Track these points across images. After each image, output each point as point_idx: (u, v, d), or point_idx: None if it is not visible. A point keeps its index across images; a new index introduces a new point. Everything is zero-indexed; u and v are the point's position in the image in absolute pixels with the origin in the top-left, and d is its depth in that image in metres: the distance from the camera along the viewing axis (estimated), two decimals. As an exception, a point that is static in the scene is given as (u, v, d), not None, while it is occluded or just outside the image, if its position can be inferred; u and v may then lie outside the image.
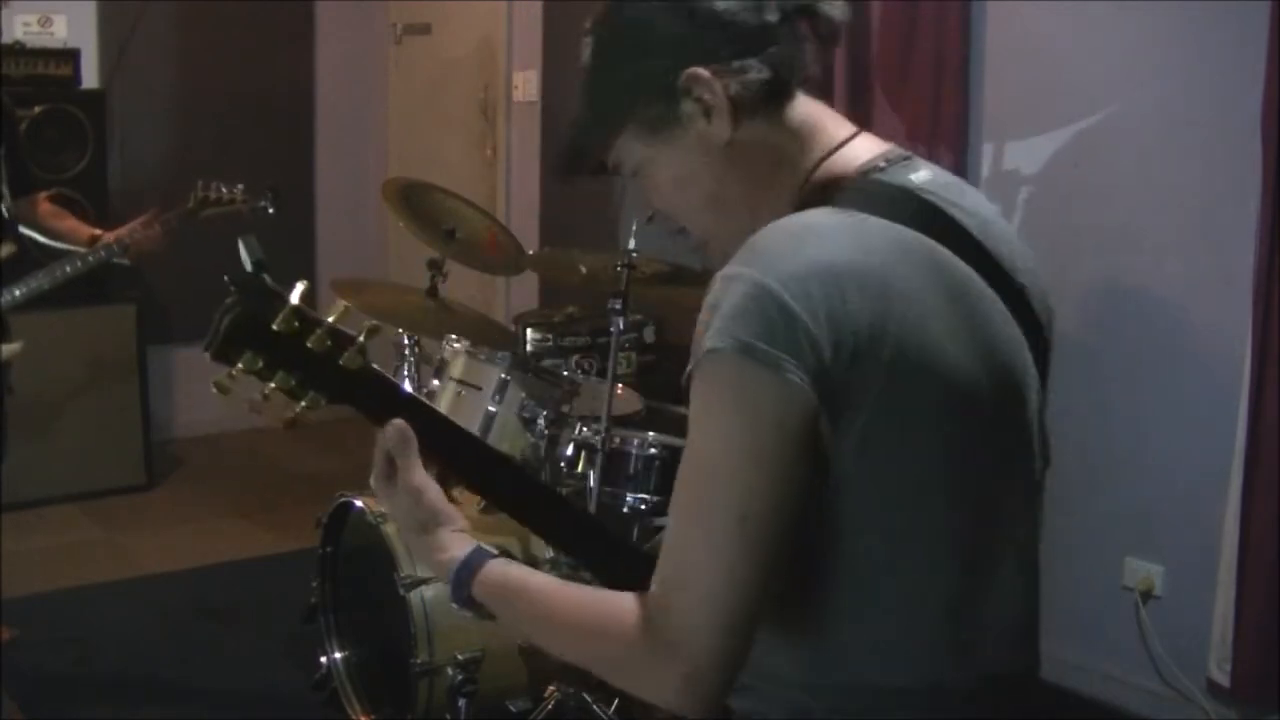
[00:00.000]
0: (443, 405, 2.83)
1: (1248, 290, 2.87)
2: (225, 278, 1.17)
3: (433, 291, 3.16)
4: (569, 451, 2.74)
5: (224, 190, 3.31)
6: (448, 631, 2.66)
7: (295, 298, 1.19)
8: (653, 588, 1.11)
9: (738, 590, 1.07)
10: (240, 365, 1.17)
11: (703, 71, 1.19)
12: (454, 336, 2.90)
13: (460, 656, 2.64)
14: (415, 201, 3.26)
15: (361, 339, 1.21)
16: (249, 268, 1.20)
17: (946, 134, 3.42)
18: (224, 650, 3.49)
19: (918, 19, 3.44)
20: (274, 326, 1.17)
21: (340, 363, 1.21)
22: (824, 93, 3.73)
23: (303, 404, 1.21)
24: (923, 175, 1.23)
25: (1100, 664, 3.33)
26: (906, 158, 1.25)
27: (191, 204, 3.28)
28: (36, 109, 4.50)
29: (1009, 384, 1.22)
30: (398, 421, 1.25)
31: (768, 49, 1.20)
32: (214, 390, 1.17)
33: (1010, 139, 3.44)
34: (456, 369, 2.82)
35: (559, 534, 1.41)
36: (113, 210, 4.63)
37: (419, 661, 2.66)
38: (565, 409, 2.77)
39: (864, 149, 1.25)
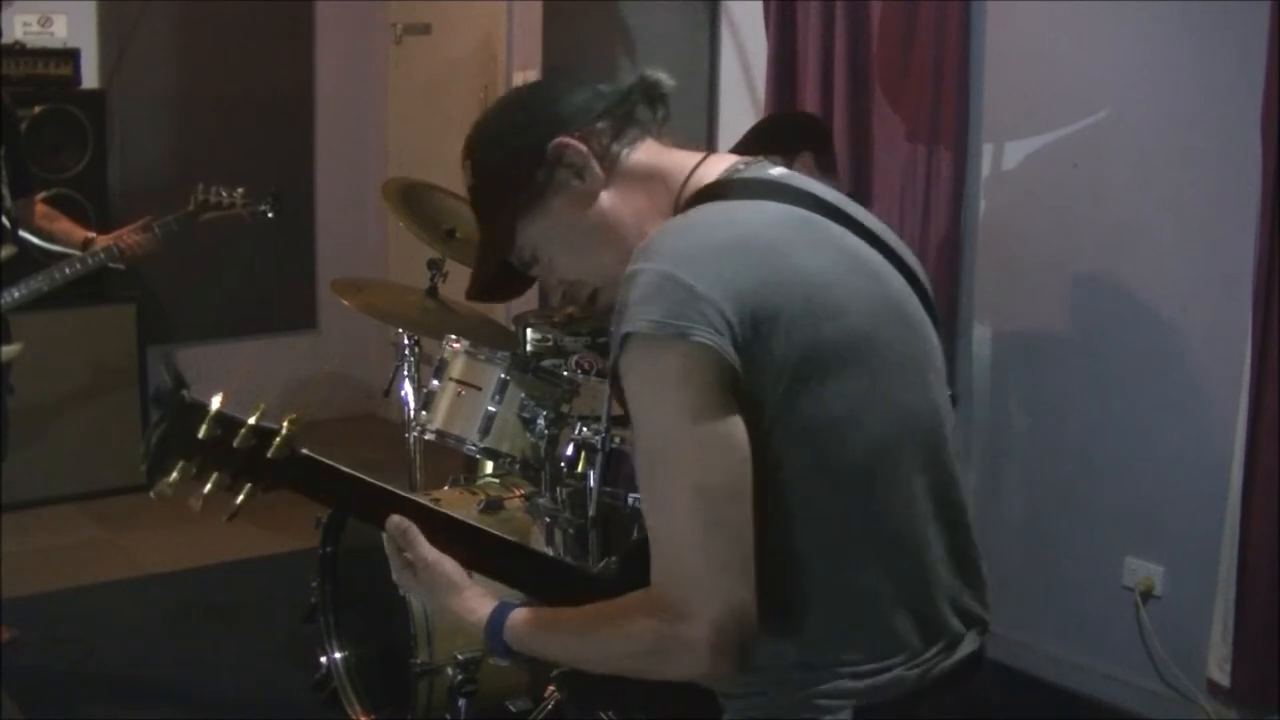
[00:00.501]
0: (443, 405, 2.83)
1: (1248, 290, 2.87)
2: (151, 397, 1.34)
3: (433, 291, 3.16)
4: (569, 451, 2.75)
5: (224, 194, 3.31)
6: (448, 631, 2.66)
7: (215, 405, 1.33)
8: (653, 576, 1.20)
9: (722, 549, 1.16)
10: (176, 474, 1.31)
11: (564, 137, 1.35)
12: (454, 336, 2.90)
13: (460, 656, 2.64)
14: (415, 201, 3.26)
15: (284, 431, 1.35)
16: (170, 384, 1.32)
17: (946, 134, 3.42)
18: (224, 650, 3.49)
19: (918, 19, 3.44)
20: (199, 436, 1.31)
21: (268, 455, 1.34)
22: (824, 94, 3.68)
23: (240, 498, 1.37)
24: (779, 171, 1.36)
25: (1100, 664, 3.33)
26: (759, 161, 1.38)
27: (191, 207, 3.28)
28: (36, 109, 4.50)
29: (918, 338, 1.33)
30: (395, 517, 1.38)
31: (609, 113, 1.37)
32: (153, 497, 1.33)
33: (1010, 139, 3.44)
34: (456, 369, 2.82)
35: (511, 573, 1.48)
36: (113, 211, 4.64)
37: (419, 661, 2.66)
38: (565, 409, 2.77)
39: (719, 163, 1.37)
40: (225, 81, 5.37)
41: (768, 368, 1.18)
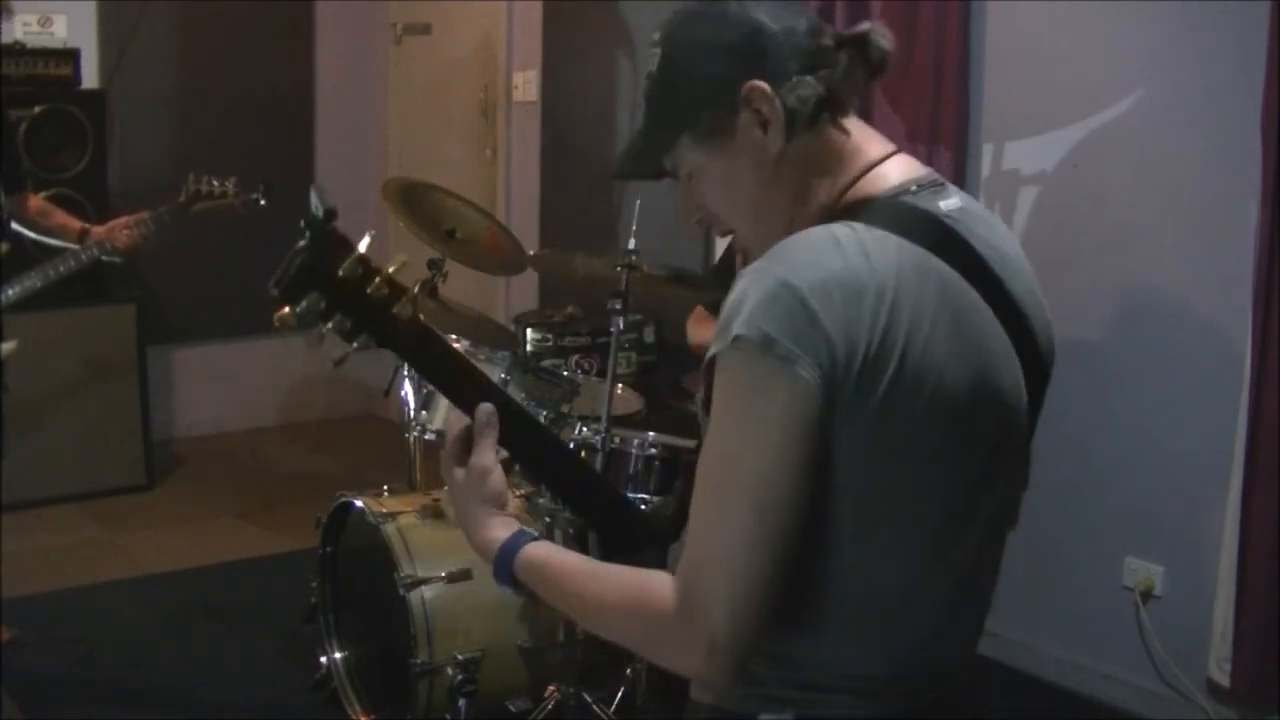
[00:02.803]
0: (443, 405, 2.83)
1: (1248, 290, 2.87)
2: (300, 222, 1.24)
3: (433, 291, 3.16)
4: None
5: (215, 184, 3.30)
6: (448, 631, 2.66)
7: (362, 247, 1.27)
8: (680, 567, 1.19)
9: (756, 570, 1.15)
10: (304, 304, 1.25)
11: (763, 85, 1.26)
12: (454, 336, 2.90)
13: (460, 656, 2.64)
14: (415, 201, 3.26)
15: (415, 290, 1.30)
16: (320, 214, 1.26)
17: (946, 134, 3.43)
18: (224, 650, 3.49)
19: (918, 19, 3.44)
20: (339, 273, 1.25)
21: (394, 311, 1.29)
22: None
23: (354, 345, 1.30)
24: (952, 203, 1.31)
25: (1100, 664, 3.33)
26: (940, 184, 1.32)
27: (183, 198, 3.27)
28: (36, 109, 4.50)
29: (1000, 406, 1.29)
30: (488, 405, 1.35)
31: (821, 70, 1.28)
32: (275, 323, 1.25)
33: (1010, 139, 3.44)
34: (457, 369, 2.81)
35: (608, 523, 1.49)
36: (113, 210, 4.63)
37: (419, 661, 2.66)
38: (565, 409, 2.77)
39: (899, 170, 1.32)
40: (225, 81, 5.37)
41: (855, 417, 1.16)
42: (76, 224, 3.31)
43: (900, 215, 1.25)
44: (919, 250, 1.22)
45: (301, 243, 1.25)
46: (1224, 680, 2.99)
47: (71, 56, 4.70)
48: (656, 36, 1.33)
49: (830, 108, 1.29)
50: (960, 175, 3.45)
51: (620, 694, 2.83)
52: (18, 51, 4.55)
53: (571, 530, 2.71)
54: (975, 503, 1.27)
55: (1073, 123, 3.29)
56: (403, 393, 3.18)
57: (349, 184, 5.83)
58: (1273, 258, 2.80)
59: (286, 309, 1.24)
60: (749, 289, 1.17)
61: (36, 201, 3.42)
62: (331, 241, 1.26)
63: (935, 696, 1.31)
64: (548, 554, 1.33)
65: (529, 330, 3.29)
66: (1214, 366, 3.04)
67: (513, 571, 1.33)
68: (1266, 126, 2.77)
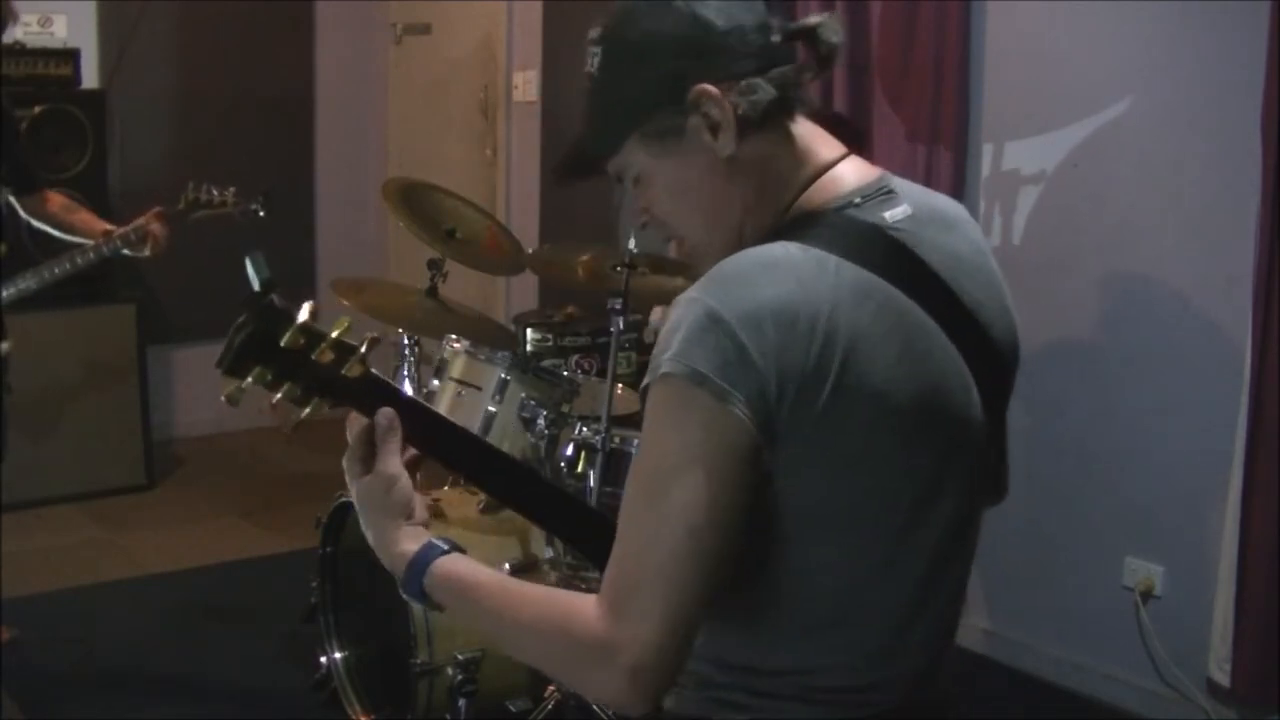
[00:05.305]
0: (443, 405, 2.83)
1: (1248, 290, 2.87)
2: (241, 301, 1.27)
3: (433, 291, 3.15)
4: (569, 451, 2.74)
5: (214, 192, 3.31)
6: (448, 631, 2.66)
7: (303, 316, 1.27)
8: (603, 590, 1.17)
9: (682, 595, 1.13)
10: (250, 379, 1.27)
11: (712, 88, 1.22)
12: (454, 336, 2.89)
13: (460, 656, 2.64)
14: (415, 201, 3.26)
15: (363, 349, 1.30)
16: (257, 286, 1.27)
17: (946, 134, 3.42)
18: (224, 650, 3.49)
19: (918, 19, 3.44)
20: (281, 344, 1.26)
21: (343, 372, 1.30)
22: (824, 94, 3.70)
23: (308, 410, 1.31)
24: (898, 212, 1.27)
25: (1100, 664, 3.33)
26: (888, 192, 1.28)
27: (182, 205, 3.28)
28: (36, 109, 4.50)
29: (949, 420, 1.26)
30: (388, 410, 1.32)
31: (772, 69, 1.24)
32: (224, 400, 1.28)
33: (1010, 139, 3.44)
34: (456, 369, 2.82)
35: (561, 527, 1.51)
36: (113, 211, 4.63)
37: (419, 661, 2.66)
38: (565, 409, 2.77)
39: (849, 175, 1.29)
40: (225, 81, 5.37)
41: (793, 446, 1.16)
42: (100, 225, 3.30)
43: (843, 233, 1.22)
44: (860, 271, 1.20)
45: (241, 318, 1.26)
46: (1224, 680, 2.99)
47: (71, 56, 4.70)
48: (595, 34, 1.29)
49: (782, 109, 1.25)
50: (960, 175, 3.45)
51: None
52: (18, 51, 4.54)
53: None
54: (925, 515, 1.26)
55: (1073, 123, 3.29)
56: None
57: (349, 184, 5.84)
58: (1273, 257, 2.80)
59: (234, 385, 1.27)
60: (681, 319, 1.16)
61: (59, 198, 3.41)
62: (271, 314, 1.26)
63: (897, 704, 1.29)
64: (461, 569, 1.28)
65: (529, 330, 3.29)
66: (1214, 366, 3.03)
67: (423, 585, 1.28)
68: (1266, 126, 2.77)
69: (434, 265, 3.16)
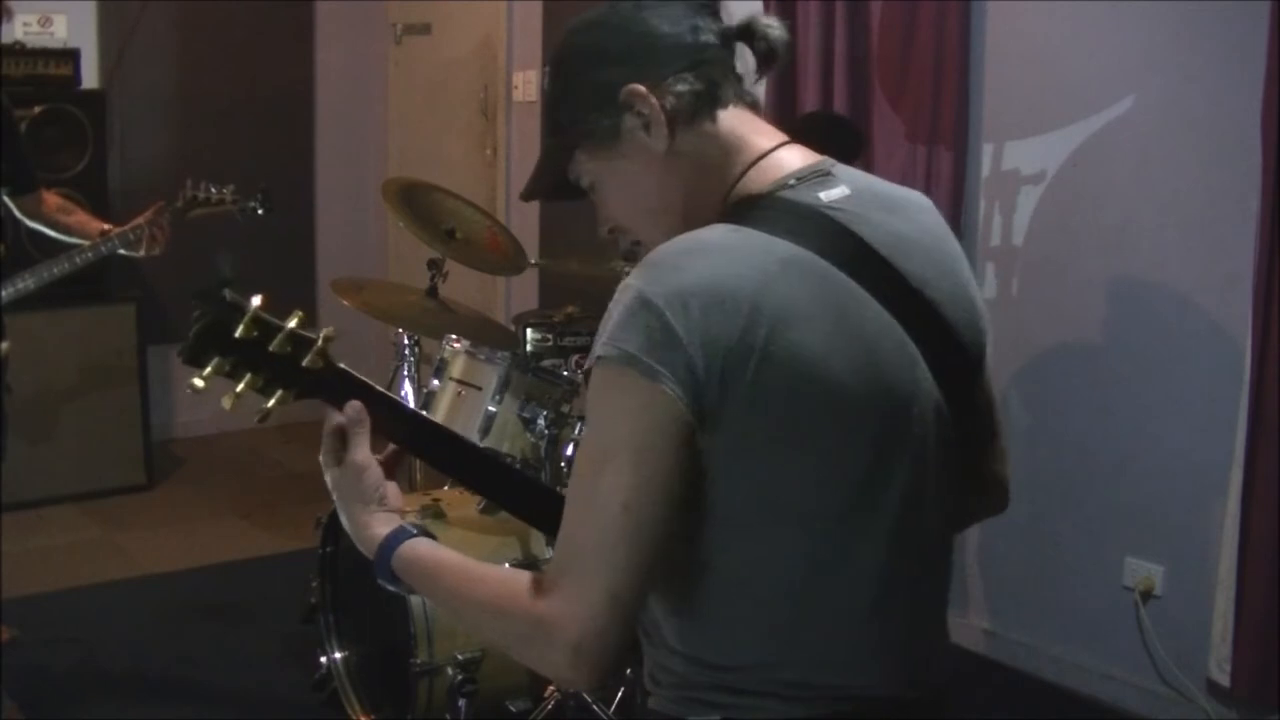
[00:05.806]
0: (443, 405, 2.83)
1: (1248, 290, 2.87)
2: (194, 294, 1.33)
3: (433, 291, 3.16)
4: (569, 451, 2.75)
5: (213, 190, 3.30)
6: (448, 631, 2.66)
7: (254, 305, 1.33)
8: (547, 570, 1.22)
9: (619, 572, 1.17)
10: (209, 369, 1.33)
11: (639, 87, 1.29)
12: (454, 336, 2.89)
13: (460, 656, 2.64)
14: (415, 201, 3.26)
15: (320, 341, 1.36)
16: (216, 281, 1.34)
17: (946, 134, 3.43)
18: (224, 650, 3.49)
19: (918, 19, 3.44)
20: (236, 334, 1.32)
21: (304, 364, 1.36)
22: (824, 95, 3.69)
23: (273, 401, 1.37)
24: (835, 193, 1.30)
25: (1100, 664, 3.33)
26: (824, 174, 1.33)
27: (180, 203, 3.27)
28: (36, 109, 4.50)
29: (889, 398, 1.27)
30: (355, 402, 1.38)
31: (700, 66, 1.31)
32: (189, 390, 1.33)
33: (1010, 139, 3.44)
34: (456, 369, 2.82)
35: (536, 516, 1.55)
36: (113, 210, 4.64)
37: (419, 661, 2.66)
38: (565, 409, 2.77)
39: (787, 161, 1.33)
40: (225, 81, 5.37)
41: (725, 424, 1.18)
42: (96, 225, 3.30)
43: (778, 213, 1.27)
44: (792, 247, 1.23)
45: (197, 312, 1.32)
46: (1224, 680, 2.99)
47: (71, 56, 4.70)
48: (547, 57, 1.39)
49: (710, 101, 1.31)
50: (960, 175, 3.45)
51: (620, 694, 2.84)
52: (18, 51, 4.55)
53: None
54: (873, 496, 1.25)
55: (1073, 123, 3.29)
56: (403, 393, 3.18)
57: (349, 184, 5.84)
58: (1273, 257, 2.80)
59: (196, 377, 1.32)
60: (615, 304, 1.22)
61: (55, 199, 3.41)
62: (223, 306, 1.32)
63: (881, 700, 1.29)
64: (424, 551, 1.34)
65: (529, 330, 3.28)
66: (1214, 366, 3.04)
67: (391, 568, 1.34)
68: (1266, 126, 2.77)
69: (434, 265, 3.16)
